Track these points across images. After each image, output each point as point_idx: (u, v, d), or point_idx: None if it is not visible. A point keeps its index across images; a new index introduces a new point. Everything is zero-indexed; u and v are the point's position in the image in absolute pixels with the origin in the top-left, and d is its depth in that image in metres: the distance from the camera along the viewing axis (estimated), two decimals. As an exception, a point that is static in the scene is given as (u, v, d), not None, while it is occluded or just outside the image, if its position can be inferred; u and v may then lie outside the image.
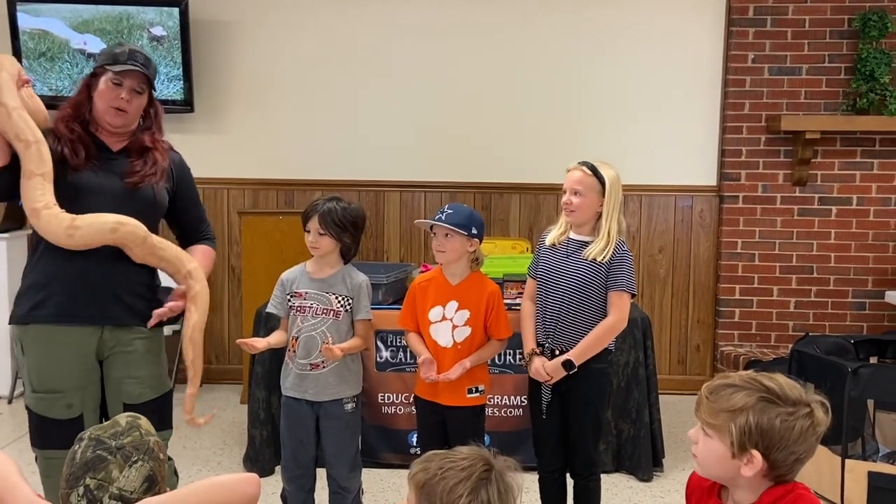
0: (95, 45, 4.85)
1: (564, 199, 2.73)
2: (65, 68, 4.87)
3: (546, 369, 2.72)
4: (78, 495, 1.40)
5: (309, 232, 2.74)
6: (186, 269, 2.44)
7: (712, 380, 1.60)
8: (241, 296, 5.00)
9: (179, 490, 1.44)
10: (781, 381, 1.53)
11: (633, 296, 2.77)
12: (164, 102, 4.90)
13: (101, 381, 2.44)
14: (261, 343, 2.75)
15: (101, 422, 2.41)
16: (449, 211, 2.76)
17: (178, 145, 5.42)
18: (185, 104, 4.93)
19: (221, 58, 5.07)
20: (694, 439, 1.59)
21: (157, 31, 4.85)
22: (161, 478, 1.42)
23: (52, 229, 2.26)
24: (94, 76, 2.43)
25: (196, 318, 2.45)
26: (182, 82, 4.89)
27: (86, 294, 2.35)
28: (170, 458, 1.56)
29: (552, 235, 2.82)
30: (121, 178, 2.42)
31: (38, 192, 2.24)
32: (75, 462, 1.42)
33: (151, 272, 2.50)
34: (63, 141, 2.36)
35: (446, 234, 2.75)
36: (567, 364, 2.68)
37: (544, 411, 2.80)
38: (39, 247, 2.40)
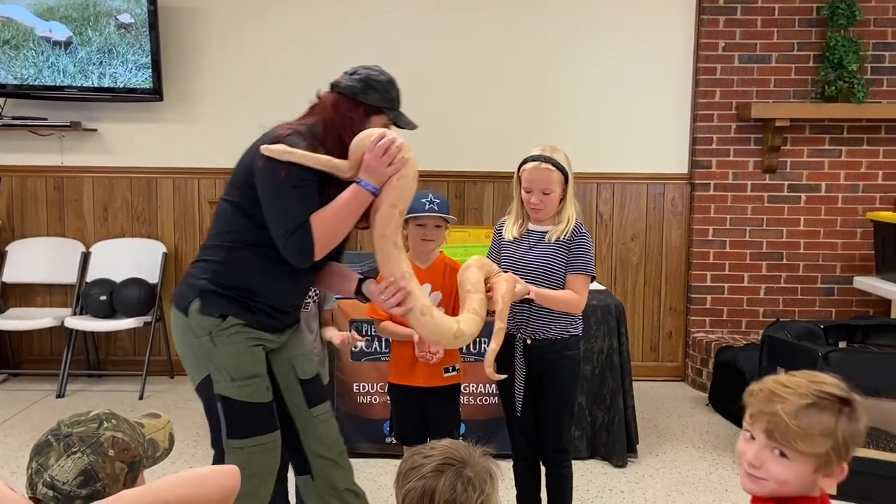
0: (61, 32, 4.76)
1: (532, 199, 2.70)
2: (30, 56, 4.78)
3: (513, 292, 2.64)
4: (27, 476, 1.39)
5: None
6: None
7: (777, 394, 1.47)
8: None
9: (156, 481, 1.41)
10: (834, 383, 1.47)
11: (592, 278, 2.76)
12: (133, 91, 4.87)
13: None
14: None
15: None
16: (437, 200, 2.77)
17: (146, 134, 5.37)
18: (154, 92, 4.86)
19: (191, 45, 5.00)
20: (757, 463, 1.47)
21: (125, 18, 4.77)
22: (105, 475, 1.36)
23: (440, 333, 2.38)
24: (361, 109, 2.29)
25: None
26: (150, 70, 4.82)
27: (286, 312, 2.39)
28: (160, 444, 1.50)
29: (511, 229, 2.80)
30: None
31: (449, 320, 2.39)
32: (35, 443, 1.41)
33: None
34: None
35: (437, 225, 2.76)
36: (526, 299, 2.66)
37: (519, 410, 2.79)
38: (242, 253, 2.27)
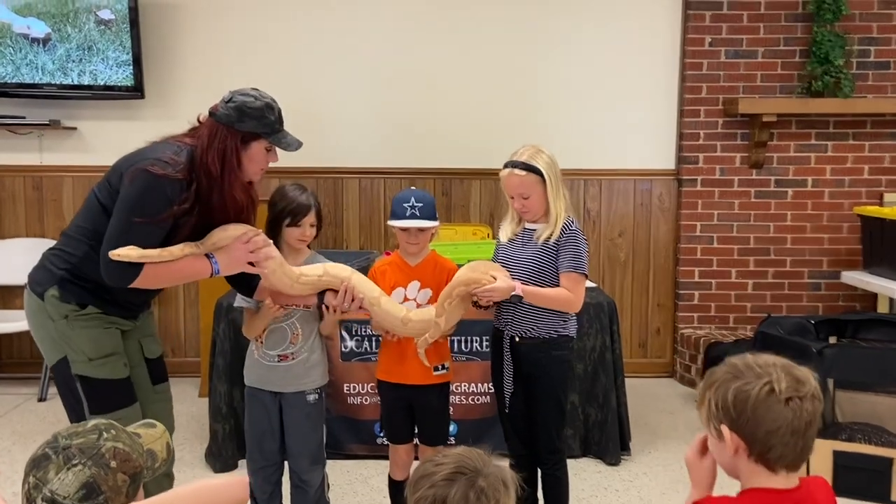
0: (39, 28, 4.66)
1: (515, 204, 2.72)
2: (7, 53, 4.67)
3: (495, 291, 2.63)
4: (24, 492, 1.34)
5: (300, 226, 2.66)
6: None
7: None
8: (197, 286, 4.88)
9: (166, 493, 1.36)
10: (750, 359, 1.48)
11: (585, 276, 2.73)
12: (113, 89, 4.79)
13: None
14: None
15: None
16: (419, 205, 2.69)
17: (127, 133, 5.27)
18: (135, 90, 4.77)
19: (173, 42, 4.92)
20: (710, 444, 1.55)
21: (105, 14, 4.68)
22: (107, 488, 1.32)
23: (389, 320, 2.64)
24: (241, 139, 2.34)
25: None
26: (131, 68, 4.73)
27: (140, 305, 2.51)
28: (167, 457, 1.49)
29: (507, 230, 2.81)
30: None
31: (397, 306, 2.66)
32: (31, 457, 1.36)
33: None
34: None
35: (421, 229, 2.72)
36: (515, 297, 2.64)
37: (507, 404, 2.78)
38: (92, 247, 2.31)
